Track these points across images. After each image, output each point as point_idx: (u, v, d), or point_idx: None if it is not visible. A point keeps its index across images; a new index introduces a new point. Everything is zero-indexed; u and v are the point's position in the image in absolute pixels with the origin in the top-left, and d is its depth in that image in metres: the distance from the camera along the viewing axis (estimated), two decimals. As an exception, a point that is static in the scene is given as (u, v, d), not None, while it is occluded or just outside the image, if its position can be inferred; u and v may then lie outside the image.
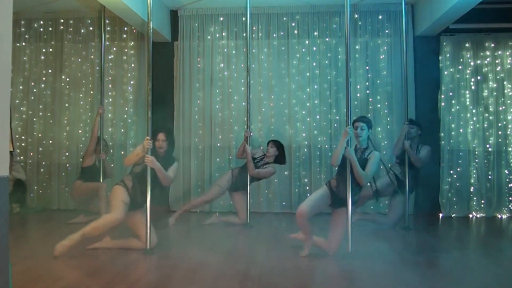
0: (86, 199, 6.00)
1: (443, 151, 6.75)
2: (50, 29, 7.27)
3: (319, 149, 6.91)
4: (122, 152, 7.06)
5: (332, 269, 3.84)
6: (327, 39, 6.99)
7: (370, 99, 6.89)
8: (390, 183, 5.62)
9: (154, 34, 6.35)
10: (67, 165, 7.14)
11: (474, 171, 6.70)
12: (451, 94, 6.81)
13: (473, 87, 6.79)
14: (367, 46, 6.93)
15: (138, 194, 4.41)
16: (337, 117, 6.88)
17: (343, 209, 4.17)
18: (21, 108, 7.22)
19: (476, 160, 6.72)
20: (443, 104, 6.80)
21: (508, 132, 6.73)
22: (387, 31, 6.93)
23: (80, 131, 7.14)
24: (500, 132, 6.72)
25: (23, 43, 7.27)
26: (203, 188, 6.91)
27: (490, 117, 6.74)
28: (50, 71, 7.25)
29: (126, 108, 7.16)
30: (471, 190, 6.68)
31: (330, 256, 4.17)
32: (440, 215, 6.60)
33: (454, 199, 6.67)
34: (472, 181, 6.70)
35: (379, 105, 6.87)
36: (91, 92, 7.16)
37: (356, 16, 6.92)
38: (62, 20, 7.25)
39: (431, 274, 3.72)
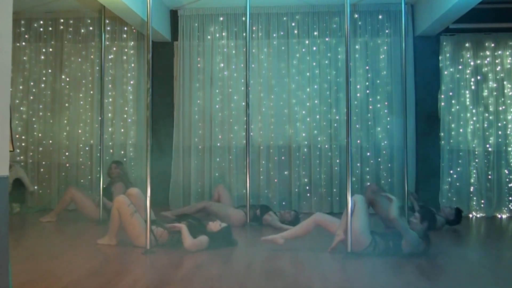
0: None
1: (443, 151, 6.75)
2: (50, 29, 7.27)
3: (319, 149, 6.91)
4: (122, 152, 7.07)
5: (332, 269, 3.84)
6: (327, 39, 6.99)
7: (370, 99, 6.89)
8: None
9: (154, 34, 6.35)
10: (67, 165, 7.14)
11: (474, 171, 6.70)
12: (451, 94, 6.81)
13: (473, 87, 6.79)
14: (367, 46, 6.93)
15: None
16: (337, 117, 6.88)
17: None
18: (21, 108, 7.22)
19: (476, 160, 6.72)
20: (443, 104, 6.80)
21: (508, 132, 6.73)
22: (387, 31, 6.93)
23: (80, 131, 7.14)
24: (500, 132, 6.72)
25: (23, 43, 7.26)
26: (202, 188, 6.91)
27: (490, 117, 6.74)
28: (50, 71, 7.24)
29: (126, 108, 7.16)
30: (471, 190, 6.68)
31: (329, 256, 4.17)
32: (440, 215, 6.60)
33: (454, 199, 6.67)
34: (472, 181, 6.69)
35: (379, 105, 6.87)
36: (91, 92, 7.15)
37: (356, 16, 6.92)
38: (62, 20, 7.24)
39: (431, 274, 3.72)
